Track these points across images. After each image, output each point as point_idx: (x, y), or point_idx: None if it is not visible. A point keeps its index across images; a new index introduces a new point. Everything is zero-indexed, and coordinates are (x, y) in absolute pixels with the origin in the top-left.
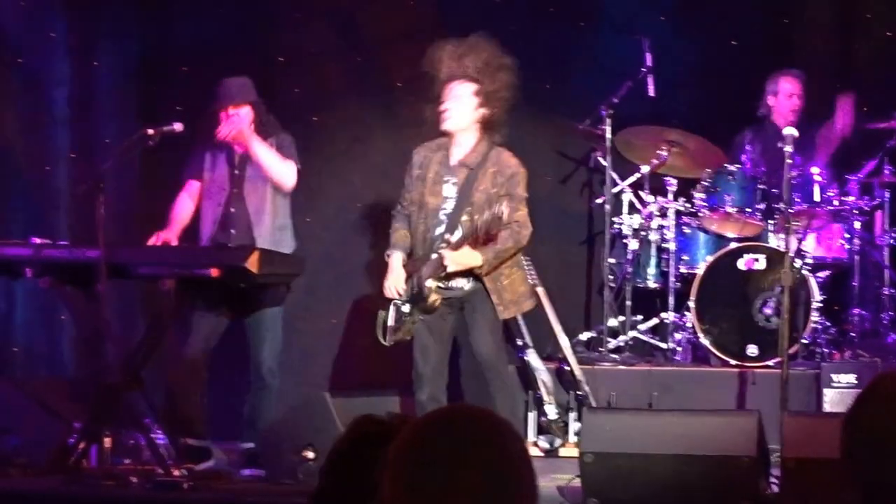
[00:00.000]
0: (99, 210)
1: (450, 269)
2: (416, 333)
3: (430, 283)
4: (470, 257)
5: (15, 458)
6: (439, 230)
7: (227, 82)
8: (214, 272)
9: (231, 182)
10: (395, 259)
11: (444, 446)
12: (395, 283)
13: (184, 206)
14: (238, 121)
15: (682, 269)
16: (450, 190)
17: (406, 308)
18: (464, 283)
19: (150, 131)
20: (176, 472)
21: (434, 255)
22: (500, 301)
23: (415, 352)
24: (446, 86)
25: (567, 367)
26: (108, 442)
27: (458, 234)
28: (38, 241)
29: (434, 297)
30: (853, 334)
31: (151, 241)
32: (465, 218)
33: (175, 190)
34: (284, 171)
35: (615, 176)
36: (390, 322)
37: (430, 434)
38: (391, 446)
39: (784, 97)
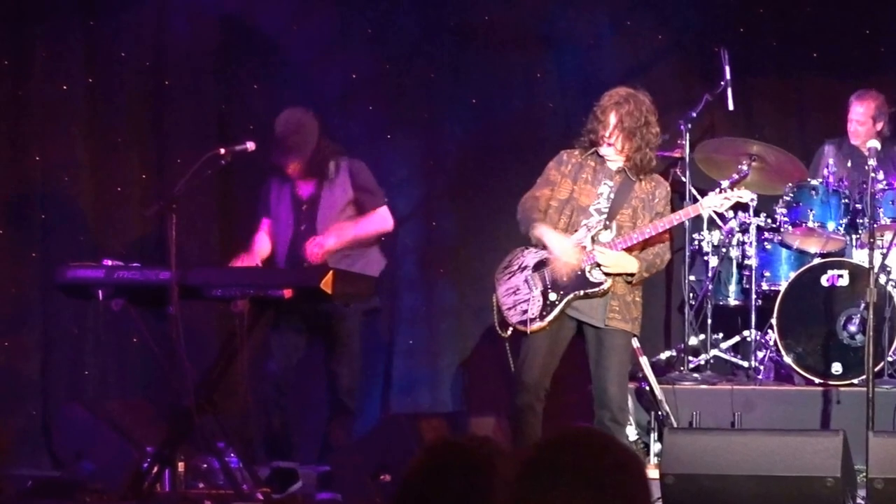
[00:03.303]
0: (171, 231)
1: (603, 269)
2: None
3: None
4: (627, 262)
5: (90, 483)
6: (586, 223)
7: (284, 133)
8: (288, 293)
9: (295, 220)
10: (551, 231)
11: (568, 469)
12: (569, 249)
13: (263, 244)
14: (318, 249)
15: (764, 286)
16: (605, 189)
17: (554, 296)
18: (604, 281)
19: (222, 151)
20: (258, 495)
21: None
22: (619, 309)
23: (523, 353)
24: (604, 132)
25: (647, 387)
26: (181, 466)
27: (609, 234)
28: (109, 262)
29: (609, 283)
30: None
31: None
32: (624, 218)
33: (252, 210)
34: (380, 227)
35: (695, 191)
36: (533, 310)
37: (554, 456)
38: (512, 467)
39: (854, 121)
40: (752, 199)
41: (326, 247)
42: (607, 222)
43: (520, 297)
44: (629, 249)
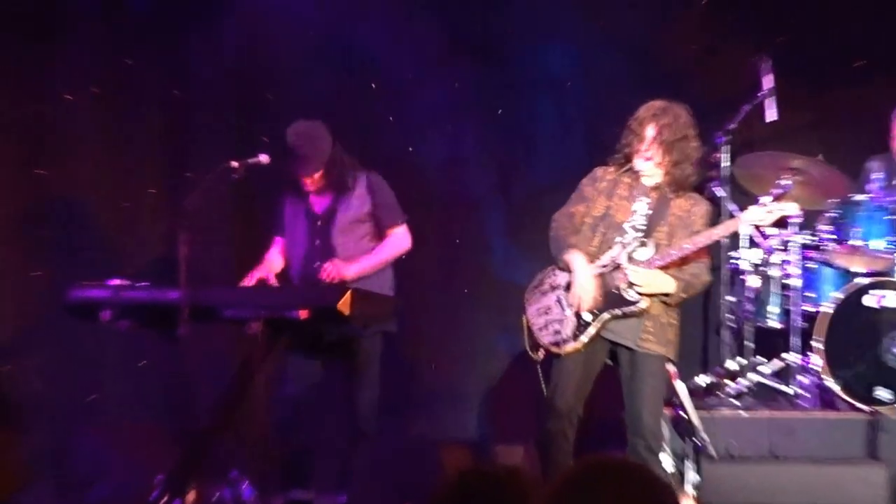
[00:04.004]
0: (181, 249)
1: (637, 289)
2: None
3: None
4: (663, 281)
5: None
6: (621, 241)
7: (297, 143)
8: (304, 314)
9: (309, 236)
10: (581, 260)
11: (599, 502)
12: (589, 286)
13: (275, 262)
14: (334, 273)
15: (807, 307)
16: (641, 206)
17: (588, 316)
18: (640, 299)
19: (235, 164)
20: None
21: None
22: (654, 330)
23: (555, 376)
24: (641, 145)
25: (683, 414)
26: (192, 496)
27: (646, 252)
28: (116, 282)
29: (646, 302)
30: None
31: (246, 282)
32: (661, 235)
33: (267, 227)
34: (398, 248)
35: (733, 207)
36: (567, 330)
37: (585, 488)
38: (542, 498)
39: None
40: (796, 213)
41: (344, 275)
42: (644, 239)
43: (552, 316)
44: (666, 268)
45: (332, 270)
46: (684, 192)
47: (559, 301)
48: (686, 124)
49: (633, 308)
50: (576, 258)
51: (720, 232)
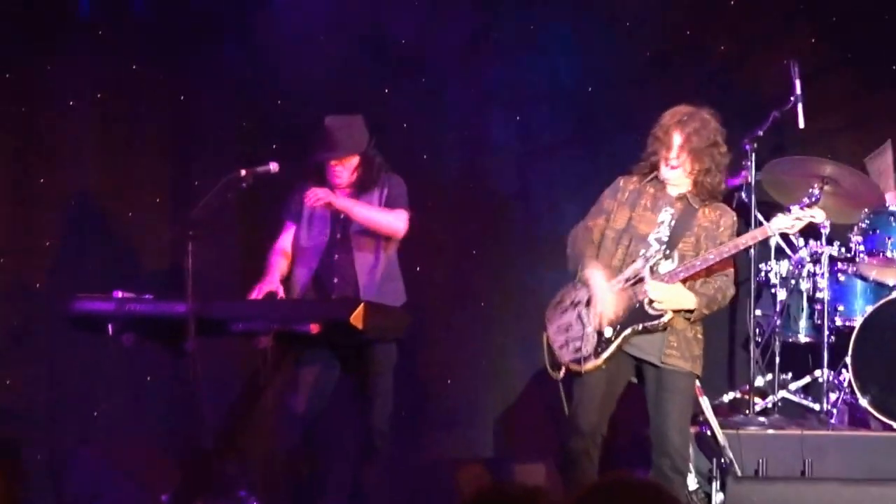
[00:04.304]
0: (188, 260)
1: (657, 305)
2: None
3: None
4: (684, 297)
5: None
6: (644, 253)
7: (333, 126)
8: (315, 328)
9: (332, 228)
10: (599, 275)
11: None
12: (609, 301)
13: (281, 253)
14: (322, 194)
15: (838, 322)
16: (666, 217)
17: (609, 332)
18: (663, 313)
19: (243, 172)
20: None
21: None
22: (677, 345)
23: (577, 394)
24: (668, 153)
25: (708, 432)
26: None
27: (669, 265)
28: (121, 294)
29: (669, 316)
30: None
31: (253, 295)
32: (687, 247)
33: (277, 234)
34: (392, 223)
35: (760, 217)
36: (587, 347)
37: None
38: None
39: None
40: (824, 222)
41: (331, 201)
42: (667, 251)
43: (572, 334)
44: (690, 280)
45: (321, 193)
46: (712, 202)
47: (580, 317)
48: (715, 130)
49: (655, 323)
50: (594, 274)
51: (746, 241)
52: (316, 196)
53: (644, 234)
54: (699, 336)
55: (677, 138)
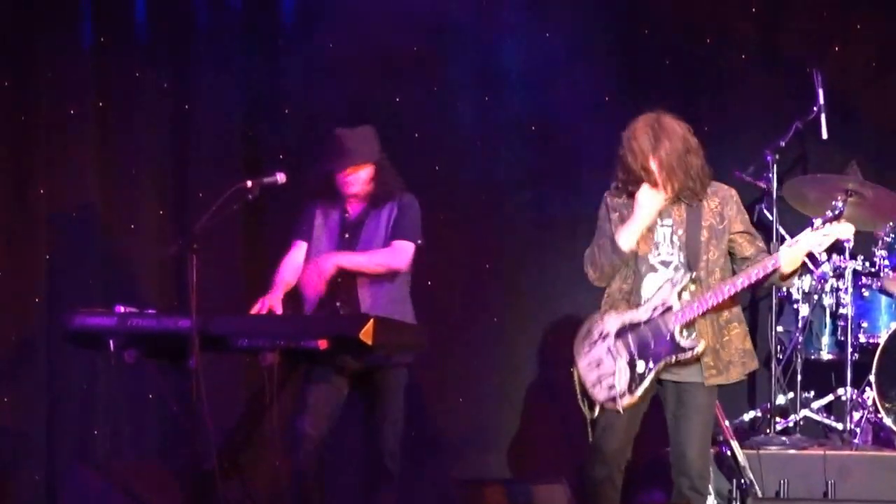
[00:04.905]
0: (191, 274)
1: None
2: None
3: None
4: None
5: None
6: (670, 279)
7: (345, 136)
8: (323, 344)
9: (339, 247)
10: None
11: None
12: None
13: (289, 270)
14: (323, 272)
15: (861, 338)
16: (665, 231)
17: (642, 366)
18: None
19: (249, 183)
20: None
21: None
22: (713, 364)
23: (603, 419)
24: (636, 161)
25: (728, 452)
26: None
27: (684, 284)
28: (122, 309)
29: (703, 345)
30: None
31: (255, 310)
32: (704, 264)
33: (283, 252)
34: (393, 263)
35: (783, 231)
36: (621, 384)
37: None
38: None
39: None
40: (850, 236)
41: (328, 268)
42: (693, 276)
43: (604, 370)
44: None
45: (321, 266)
46: (704, 191)
47: (610, 351)
48: (681, 135)
49: (688, 354)
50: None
51: (772, 264)
52: (320, 275)
53: (644, 254)
54: (728, 337)
55: (653, 165)
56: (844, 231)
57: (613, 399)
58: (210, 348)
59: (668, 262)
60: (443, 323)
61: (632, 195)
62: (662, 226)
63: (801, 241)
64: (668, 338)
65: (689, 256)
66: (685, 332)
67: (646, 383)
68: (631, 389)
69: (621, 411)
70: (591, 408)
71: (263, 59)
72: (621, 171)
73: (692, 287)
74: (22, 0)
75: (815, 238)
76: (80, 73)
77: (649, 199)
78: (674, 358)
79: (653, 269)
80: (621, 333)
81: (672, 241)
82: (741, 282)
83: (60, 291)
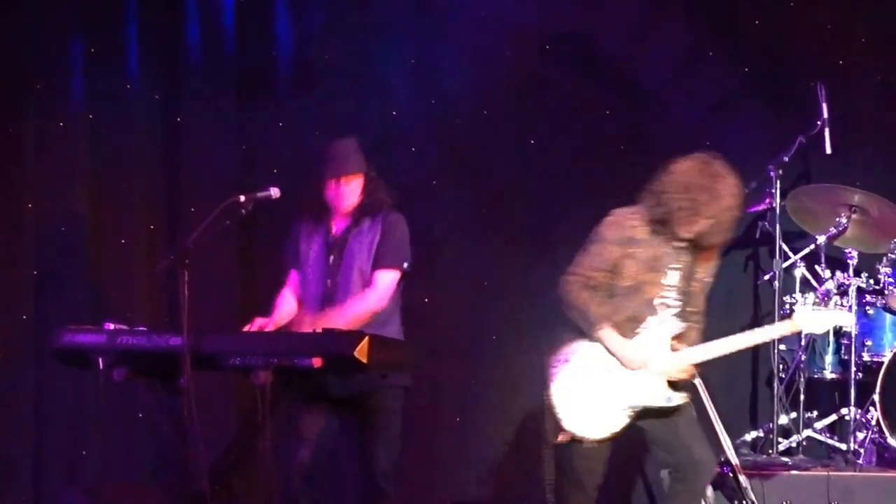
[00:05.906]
0: (183, 291)
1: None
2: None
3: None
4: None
5: None
6: (653, 320)
7: (333, 147)
8: (317, 362)
9: (325, 271)
10: (615, 336)
11: None
12: (658, 358)
13: (287, 302)
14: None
15: (865, 357)
16: (674, 278)
17: (621, 409)
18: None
19: (242, 198)
20: None
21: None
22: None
23: (583, 452)
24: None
25: (729, 473)
26: None
27: (677, 327)
28: (112, 326)
29: (685, 400)
30: None
31: (249, 328)
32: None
33: (276, 266)
34: (375, 305)
35: (786, 247)
36: (598, 422)
37: None
38: None
39: None
40: (851, 324)
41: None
42: (686, 324)
43: (578, 402)
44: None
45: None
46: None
47: (589, 382)
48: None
49: (667, 406)
50: (611, 336)
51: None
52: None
53: (650, 297)
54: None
55: (700, 227)
56: (846, 319)
57: (585, 431)
58: (202, 366)
59: (673, 308)
60: (440, 341)
61: (656, 232)
62: (673, 270)
63: (799, 318)
64: (653, 387)
65: (683, 301)
66: (669, 390)
67: (623, 425)
68: (607, 428)
69: (594, 443)
70: (556, 434)
71: (257, 70)
72: (672, 211)
73: (690, 333)
74: (11, 12)
75: (816, 319)
76: (70, 84)
77: (639, 364)
78: (655, 405)
79: (652, 309)
80: (601, 368)
81: (677, 287)
82: (748, 339)
83: (48, 308)
